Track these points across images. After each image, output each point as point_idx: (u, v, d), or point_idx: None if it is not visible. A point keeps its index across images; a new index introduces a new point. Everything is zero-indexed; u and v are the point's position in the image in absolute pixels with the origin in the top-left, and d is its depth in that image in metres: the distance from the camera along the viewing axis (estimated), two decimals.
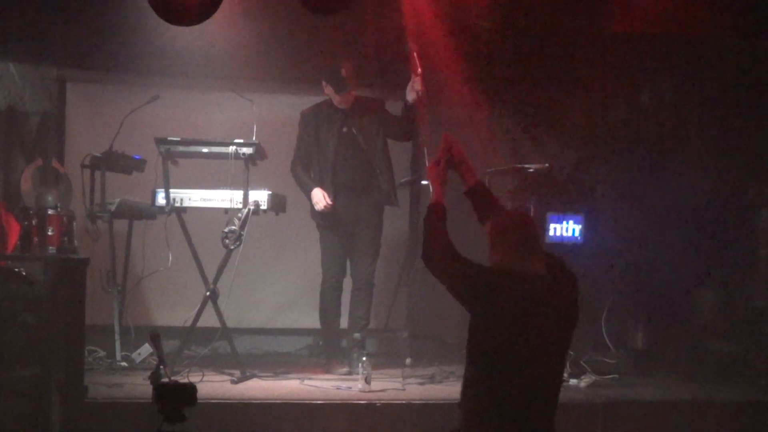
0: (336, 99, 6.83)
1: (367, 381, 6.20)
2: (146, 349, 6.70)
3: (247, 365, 6.67)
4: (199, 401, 4.10)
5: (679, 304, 7.70)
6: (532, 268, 4.15)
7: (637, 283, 7.65)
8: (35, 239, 6.15)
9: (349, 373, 6.65)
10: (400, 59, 6.96)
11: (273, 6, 7.43)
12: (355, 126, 6.84)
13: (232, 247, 6.54)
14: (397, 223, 7.48)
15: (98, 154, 6.79)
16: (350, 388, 6.28)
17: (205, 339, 6.89)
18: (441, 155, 4.48)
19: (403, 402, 5.98)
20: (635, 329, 7.62)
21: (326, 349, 7.06)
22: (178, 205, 6.72)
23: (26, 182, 7.28)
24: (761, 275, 7.38)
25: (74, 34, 7.35)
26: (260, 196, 6.67)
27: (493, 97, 8.01)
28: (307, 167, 6.93)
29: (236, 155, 6.64)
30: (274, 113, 7.59)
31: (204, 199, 6.74)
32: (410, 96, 6.60)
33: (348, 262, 6.99)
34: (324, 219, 6.86)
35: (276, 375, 6.68)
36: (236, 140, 6.67)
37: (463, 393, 4.23)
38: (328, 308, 6.94)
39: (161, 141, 6.72)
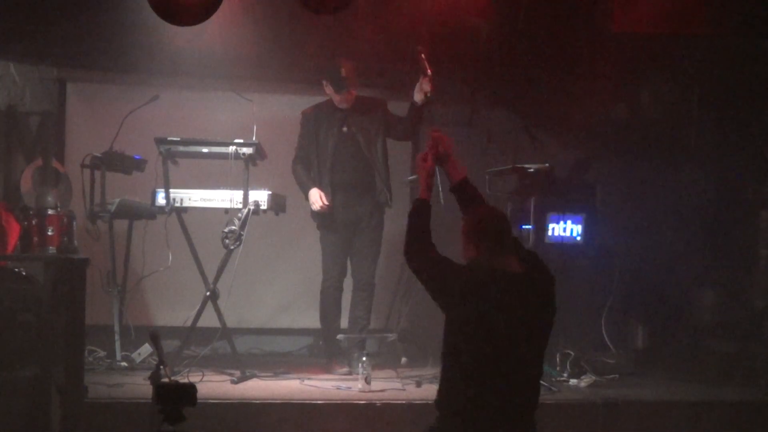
0: (336, 98, 6.83)
1: (367, 381, 6.20)
2: (146, 349, 6.71)
3: (247, 365, 6.67)
4: (199, 401, 4.10)
5: (679, 304, 7.70)
6: (506, 266, 4.17)
7: (637, 283, 7.65)
8: (35, 239, 6.16)
9: (349, 373, 6.65)
10: (401, 59, 6.96)
11: (273, 6, 7.43)
12: (355, 126, 6.84)
13: (232, 247, 6.54)
14: (397, 224, 7.46)
15: (98, 154, 6.79)
16: (350, 388, 6.28)
17: (205, 339, 6.89)
18: (428, 151, 4.50)
19: (403, 402, 5.98)
20: (635, 329, 7.62)
21: (326, 349, 7.06)
22: (178, 205, 6.73)
23: (26, 182, 7.28)
24: (761, 275, 7.38)
25: (74, 34, 7.35)
26: (260, 196, 6.67)
27: (493, 97, 8.01)
28: (307, 167, 6.93)
29: (236, 155, 6.64)
30: (274, 113, 7.59)
31: (204, 199, 6.74)
32: (418, 97, 6.59)
33: (348, 263, 6.98)
34: (322, 219, 6.86)
35: (276, 375, 6.68)
36: (236, 140, 6.67)
37: (440, 391, 4.25)
38: (329, 308, 6.94)
39: (161, 141, 6.72)
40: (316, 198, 6.77)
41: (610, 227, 7.51)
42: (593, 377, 6.74)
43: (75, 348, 5.80)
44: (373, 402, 5.90)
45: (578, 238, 7.17)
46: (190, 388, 4.09)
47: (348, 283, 7.01)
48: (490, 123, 8.04)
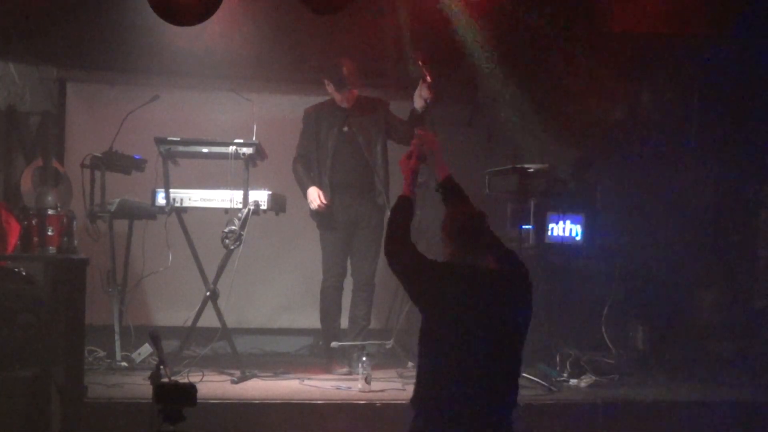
0: (337, 97, 6.83)
1: (367, 381, 6.20)
2: (146, 349, 6.71)
3: (247, 365, 6.67)
4: (199, 401, 4.10)
5: (679, 304, 7.69)
6: (483, 263, 4.19)
7: (637, 283, 7.65)
8: (35, 239, 6.15)
9: (349, 373, 6.65)
10: (401, 59, 6.96)
11: (273, 6, 7.43)
12: (356, 125, 6.84)
13: (232, 247, 6.54)
14: None
15: (98, 154, 6.79)
16: (350, 388, 6.28)
17: (205, 339, 6.89)
18: (413, 149, 4.53)
19: (403, 402, 5.94)
20: (635, 329, 7.61)
21: (326, 349, 7.05)
22: (178, 205, 6.73)
23: (26, 182, 7.28)
24: (761, 275, 7.38)
25: (74, 34, 7.35)
26: (260, 196, 6.67)
27: (493, 97, 8.01)
28: (308, 165, 6.93)
29: (236, 155, 6.64)
30: (274, 113, 7.60)
31: (204, 199, 6.74)
32: (418, 103, 6.58)
33: (348, 263, 6.98)
34: (321, 218, 6.86)
35: (276, 375, 6.68)
36: (236, 140, 6.67)
37: (416, 390, 4.26)
38: (329, 309, 6.93)
39: (161, 141, 6.72)
40: (315, 197, 6.77)
41: (610, 227, 7.51)
42: (593, 377, 6.74)
43: (75, 348, 5.80)
44: (373, 402, 5.90)
45: (578, 238, 7.18)
46: (190, 388, 4.09)
47: (348, 283, 7.01)
48: (490, 123, 8.04)
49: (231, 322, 6.91)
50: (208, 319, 6.72)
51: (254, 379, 6.53)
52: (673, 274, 7.71)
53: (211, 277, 6.70)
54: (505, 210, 7.11)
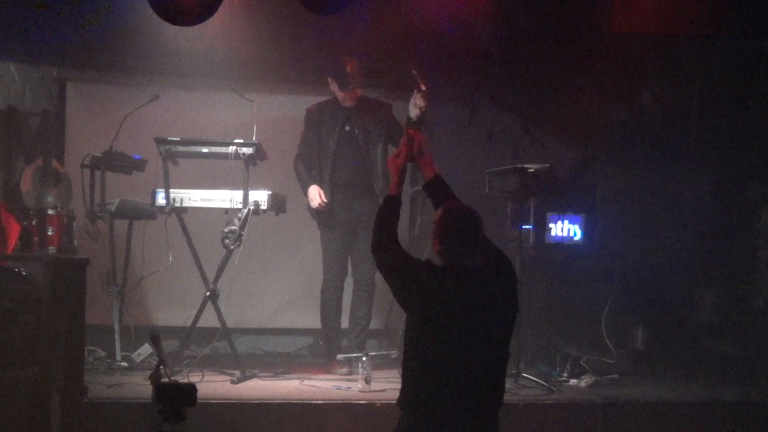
0: (341, 95, 6.82)
1: (367, 381, 6.20)
2: (146, 349, 6.71)
3: (247, 365, 6.67)
4: (199, 401, 4.10)
5: (679, 304, 7.70)
6: (471, 261, 4.19)
7: (637, 283, 7.65)
8: (35, 239, 6.16)
9: (349, 373, 6.65)
10: (402, 60, 6.96)
11: (273, 6, 7.43)
12: (357, 125, 6.83)
13: (232, 247, 6.54)
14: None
15: (98, 154, 6.79)
16: (350, 388, 6.29)
17: (205, 339, 6.88)
18: (402, 149, 4.53)
19: None
20: (635, 329, 7.62)
21: (326, 349, 7.06)
22: (178, 205, 6.72)
23: (26, 182, 7.28)
24: (761, 275, 7.38)
25: (74, 34, 7.35)
26: (260, 196, 6.67)
27: (493, 97, 8.01)
28: (309, 164, 6.93)
29: (236, 155, 6.63)
30: (274, 113, 7.60)
31: (204, 199, 6.74)
32: (413, 112, 6.57)
33: (349, 263, 6.98)
34: (321, 217, 6.86)
35: (276, 375, 6.68)
36: (236, 140, 6.67)
37: (402, 390, 4.26)
38: (329, 309, 6.93)
39: (161, 141, 6.72)
40: (315, 195, 6.77)
41: (610, 227, 7.51)
42: (593, 377, 6.74)
43: (75, 348, 5.80)
44: (373, 402, 5.90)
45: (578, 239, 7.18)
46: (190, 388, 4.09)
47: (348, 283, 7.01)
48: (490, 123, 8.04)
49: (231, 322, 6.91)
50: (208, 319, 6.71)
51: (254, 379, 6.53)
52: (673, 274, 7.72)
53: (211, 277, 6.70)
54: (505, 210, 7.11)
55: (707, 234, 7.80)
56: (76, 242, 6.31)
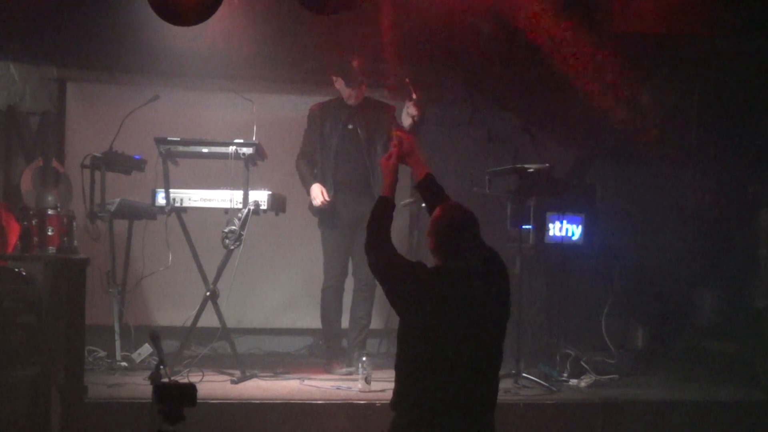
0: (346, 93, 6.81)
1: (367, 381, 6.20)
2: (146, 349, 6.71)
3: (247, 365, 6.67)
4: (199, 401, 4.10)
5: (679, 304, 7.70)
6: (465, 262, 4.19)
7: (637, 284, 7.65)
8: (35, 239, 6.15)
9: (349, 373, 6.65)
10: (402, 60, 6.96)
11: (273, 6, 7.43)
12: (360, 124, 6.83)
13: (232, 247, 6.54)
14: (397, 225, 7.46)
15: (98, 154, 6.79)
16: (350, 388, 6.29)
17: (205, 339, 6.89)
18: (393, 150, 4.54)
19: None
20: (635, 329, 7.62)
21: (327, 349, 7.06)
22: (178, 205, 6.73)
23: (26, 182, 7.28)
24: (761, 275, 7.37)
25: (74, 34, 7.35)
26: (260, 196, 6.67)
27: (493, 97, 8.01)
28: (311, 163, 6.92)
29: (236, 155, 6.63)
30: (274, 113, 7.60)
31: (204, 199, 6.74)
32: (406, 121, 6.58)
33: (350, 263, 6.98)
34: (323, 215, 6.85)
35: (276, 375, 6.69)
36: (236, 140, 6.67)
37: (395, 392, 4.25)
38: (330, 309, 6.93)
39: (161, 141, 6.72)
40: (317, 193, 6.76)
41: (610, 227, 7.51)
42: (593, 377, 6.74)
43: (75, 348, 5.81)
44: (373, 402, 5.90)
45: (578, 238, 7.18)
46: (190, 388, 4.09)
47: (348, 283, 7.01)
48: (490, 123, 8.04)
49: (231, 322, 6.91)
50: (208, 319, 6.72)
51: (254, 379, 6.53)
52: (673, 274, 7.71)
53: (211, 277, 6.70)
54: (505, 210, 7.11)
55: (707, 234, 7.80)
56: (76, 242, 6.31)
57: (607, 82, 8.05)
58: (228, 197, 6.67)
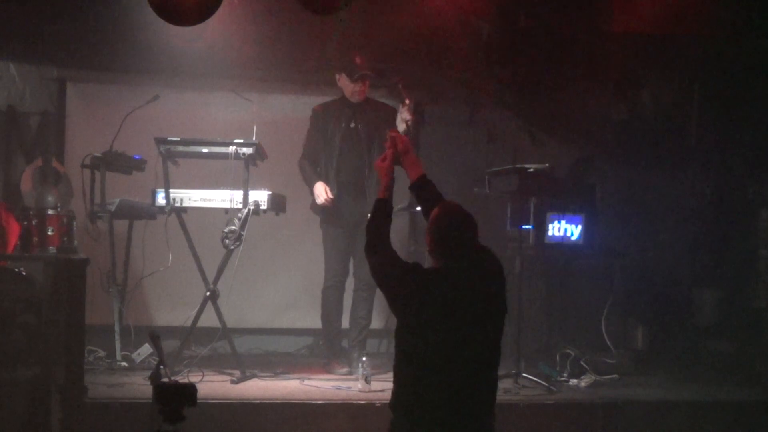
0: (349, 90, 6.80)
1: (367, 381, 6.20)
2: (146, 349, 6.71)
3: (247, 365, 6.67)
4: (199, 401, 4.10)
5: (679, 304, 7.70)
6: (462, 262, 4.19)
7: (637, 283, 7.65)
8: (35, 239, 6.16)
9: (349, 373, 6.65)
10: (402, 60, 6.96)
11: (273, 6, 7.43)
12: (362, 122, 6.83)
13: (232, 247, 6.54)
14: (397, 225, 7.47)
15: (98, 154, 6.79)
16: (350, 388, 6.29)
17: (205, 339, 6.89)
18: (387, 152, 4.54)
19: None
20: (635, 329, 7.63)
21: (327, 349, 7.06)
22: (178, 205, 6.72)
23: (26, 182, 7.28)
24: (761, 275, 7.38)
25: (74, 34, 7.35)
26: (260, 196, 6.67)
27: (493, 97, 8.01)
28: (314, 163, 6.91)
29: (236, 155, 6.63)
30: (274, 113, 7.60)
31: (204, 199, 6.74)
32: (401, 127, 6.57)
33: (350, 263, 6.97)
34: (326, 214, 6.84)
35: (276, 375, 6.68)
36: (236, 140, 6.67)
37: (394, 393, 4.26)
38: (330, 308, 6.92)
39: (161, 141, 6.72)
40: (321, 191, 6.75)
41: (610, 227, 7.52)
42: (593, 377, 6.74)
43: (75, 348, 5.80)
44: (373, 402, 5.90)
45: (578, 239, 7.18)
46: (190, 388, 4.09)
47: (349, 283, 7.00)
48: (490, 123, 8.04)
49: (231, 322, 6.90)
50: (208, 319, 6.72)
51: (254, 379, 6.53)
52: (673, 274, 7.72)
53: (211, 277, 6.70)
54: (505, 210, 7.11)
55: (707, 234, 7.80)
56: (76, 242, 6.31)
57: (607, 82, 8.06)
58: (228, 197, 6.67)
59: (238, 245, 6.53)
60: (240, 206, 6.62)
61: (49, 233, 6.16)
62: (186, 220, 6.79)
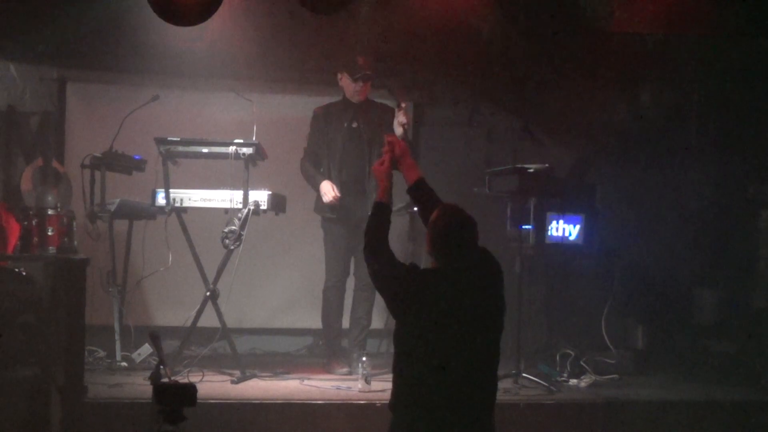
0: (350, 89, 6.80)
1: (367, 381, 6.20)
2: (146, 349, 6.71)
3: (247, 365, 6.67)
4: (199, 401, 4.10)
5: (679, 304, 7.70)
6: (463, 264, 4.19)
7: (637, 283, 7.65)
8: (35, 239, 6.15)
9: (349, 373, 6.65)
10: (402, 60, 6.96)
11: (273, 6, 7.43)
12: (363, 123, 6.83)
13: (232, 247, 6.54)
14: (397, 225, 7.46)
15: (98, 154, 6.79)
16: (350, 388, 6.29)
17: (205, 339, 6.89)
18: (385, 156, 4.54)
19: None
20: (635, 329, 7.62)
21: (327, 349, 7.05)
22: (178, 205, 6.72)
23: (26, 182, 7.28)
24: (761, 275, 7.38)
25: (74, 34, 7.35)
26: (260, 196, 6.67)
27: (493, 97, 8.01)
28: (317, 164, 6.91)
29: (236, 155, 6.63)
30: (274, 113, 7.60)
31: (204, 199, 6.74)
32: (398, 131, 6.56)
33: (352, 263, 6.97)
34: (329, 213, 6.81)
35: (276, 375, 6.68)
36: (236, 140, 6.67)
37: (394, 394, 4.26)
38: (331, 309, 6.92)
39: (161, 141, 6.72)
40: (328, 189, 6.73)
41: (610, 227, 7.51)
42: (593, 377, 6.74)
43: (75, 348, 5.80)
44: (373, 402, 5.90)
45: (578, 239, 7.17)
46: (190, 388, 4.09)
47: (349, 283, 7.00)
48: (490, 123, 8.04)
49: (231, 322, 6.91)
50: (208, 319, 6.72)
51: (254, 379, 6.53)
52: (673, 274, 7.72)
53: (211, 277, 6.70)
54: (505, 210, 7.11)
55: (707, 234, 7.80)
56: (76, 242, 6.31)
57: (607, 82, 8.06)
58: (228, 197, 6.67)
59: (238, 245, 6.53)
60: (240, 206, 6.62)
61: (49, 233, 6.16)
62: (186, 220, 6.79)
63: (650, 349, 7.57)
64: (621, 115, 8.25)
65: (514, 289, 6.36)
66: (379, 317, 7.47)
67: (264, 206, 6.68)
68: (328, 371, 6.79)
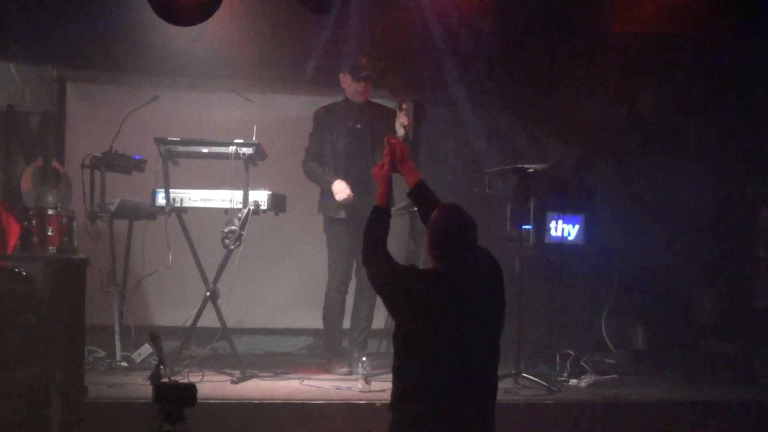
0: (352, 89, 6.79)
1: (367, 381, 6.20)
2: (146, 349, 6.71)
3: (247, 365, 6.67)
4: (199, 401, 4.10)
5: (679, 304, 7.70)
6: (462, 264, 4.19)
7: (637, 284, 7.65)
8: (35, 239, 6.15)
9: (349, 373, 6.65)
10: (402, 60, 6.95)
11: (273, 5, 7.43)
12: (366, 123, 6.82)
13: (232, 247, 6.54)
14: (398, 226, 7.47)
15: (98, 154, 6.80)
16: (350, 388, 6.29)
17: (205, 339, 6.89)
18: (385, 159, 4.53)
19: None
20: (635, 329, 7.63)
21: (327, 350, 7.05)
22: (178, 205, 6.72)
23: (26, 182, 7.28)
24: (761, 275, 7.38)
25: (74, 34, 7.35)
26: (260, 196, 6.67)
27: (493, 97, 8.01)
28: (323, 163, 6.88)
29: (236, 155, 6.63)
30: (274, 113, 7.60)
31: (204, 199, 6.74)
32: (399, 132, 6.56)
33: (353, 264, 6.96)
34: (339, 212, 6.78)
35: (276, 375, 6.69)
36: (236, 140, 6.67)
37: (394, 394, 4.26)
38: (333, 311, 6.91)
39: (161, 141, 6.72)
40: (342, 188, 6.69)
41: (610, 227, 7.51)
42: (593, 377, 6.74)
43: (75, 348, 5.80)
44: (373, 402, 5.90)
45: (578, 239, 7.17)
46: (190, 388, 4.09)
47: (351, 283, 6.99)
48: (490, 123, 8.04)
49: (231, 322, 6.91)
50: (208, 319, 6.72)
51: (254, 379, 6.53)
52: (673, 274, 7.71)
53: (211, 277, 6.70)
54: (505, 210, 7.11)
55: (707, 233, 7.80)
56: (76, 242, 6.31)
57: (607, 82, 8.06)
58: (228, 197, 6.67)
59: (238, 245, 6.53)
60: (240, 206, 6.62)
61: (49, 233, 6.15)
62: (186, 220, 6.79)
63: (650, 349, 7.57)
64: (621, 115, 8.25)
65: (514, 289, 6.36)
66: (380, 317, 7.47)
67: (264, 206, 6.68)
68: (328, 371, 6.79)
